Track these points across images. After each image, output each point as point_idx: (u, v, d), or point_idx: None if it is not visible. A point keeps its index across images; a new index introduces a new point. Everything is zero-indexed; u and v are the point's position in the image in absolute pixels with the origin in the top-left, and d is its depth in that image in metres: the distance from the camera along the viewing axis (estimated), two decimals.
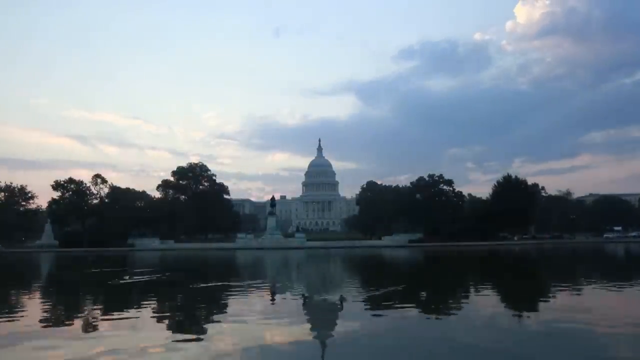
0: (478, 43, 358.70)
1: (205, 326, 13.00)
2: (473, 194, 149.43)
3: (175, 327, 12.83)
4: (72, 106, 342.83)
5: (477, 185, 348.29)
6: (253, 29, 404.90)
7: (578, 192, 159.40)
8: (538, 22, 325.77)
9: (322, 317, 14.17)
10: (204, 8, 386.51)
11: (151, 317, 14.30)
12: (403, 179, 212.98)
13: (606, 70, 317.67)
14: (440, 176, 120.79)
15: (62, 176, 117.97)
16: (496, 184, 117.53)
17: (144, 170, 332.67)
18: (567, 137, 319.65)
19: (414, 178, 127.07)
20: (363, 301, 16.96)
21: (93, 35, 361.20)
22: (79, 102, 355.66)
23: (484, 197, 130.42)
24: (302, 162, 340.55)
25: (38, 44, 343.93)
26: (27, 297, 21.23)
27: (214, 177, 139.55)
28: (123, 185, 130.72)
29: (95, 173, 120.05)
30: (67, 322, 13.85)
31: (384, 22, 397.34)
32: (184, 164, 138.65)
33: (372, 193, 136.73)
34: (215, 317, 14.41)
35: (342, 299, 16.97)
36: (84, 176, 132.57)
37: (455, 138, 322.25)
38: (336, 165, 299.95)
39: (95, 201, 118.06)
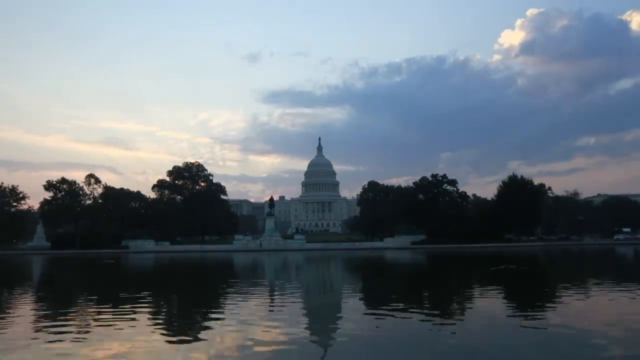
0: (463, 60, 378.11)
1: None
2: (477, 195, 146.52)
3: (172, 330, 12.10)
4: (77, 110, 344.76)
5: (476, 187, 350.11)
6: (252, 47, 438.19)
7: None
8: (521, 43, 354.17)
9: None
10: (209, 21, 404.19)
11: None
12: (402, 182, 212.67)
13: (588, 82, 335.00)
14: (444, 176, 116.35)
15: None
16: (501, 184, 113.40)
17: (145, 172, 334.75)
18: (561, 140, 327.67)
19: (413, 180, 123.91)
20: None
21: (100, 40, 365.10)
22: (83, 105, 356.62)
23: (487, 199, 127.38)
24: (302, 165, 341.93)
25: (43, 46, 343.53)
26: None
27: (210, 177, 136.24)
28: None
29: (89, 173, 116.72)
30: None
31: (373, 42, 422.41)
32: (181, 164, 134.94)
33: (373, 193, 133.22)
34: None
35: None
36: (81, 178, 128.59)
37: (450, 142, 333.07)
38: (336, 167, 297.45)
39: (88, 202, 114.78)
